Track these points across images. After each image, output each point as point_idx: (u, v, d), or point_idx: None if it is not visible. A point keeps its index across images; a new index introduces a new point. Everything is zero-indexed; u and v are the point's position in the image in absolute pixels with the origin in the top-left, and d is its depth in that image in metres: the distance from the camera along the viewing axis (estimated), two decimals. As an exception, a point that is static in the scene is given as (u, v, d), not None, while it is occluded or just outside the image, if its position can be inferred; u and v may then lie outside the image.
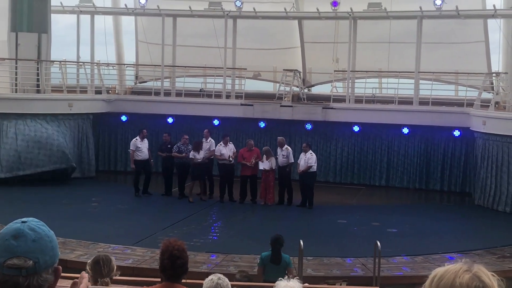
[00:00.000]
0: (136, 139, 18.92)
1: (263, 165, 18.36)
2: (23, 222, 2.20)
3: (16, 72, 20.84)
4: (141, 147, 18.81)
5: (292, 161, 18.55)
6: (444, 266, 2.02)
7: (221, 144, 18.91)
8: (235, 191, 18.73)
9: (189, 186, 18.72)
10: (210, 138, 19.52)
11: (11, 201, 17.19)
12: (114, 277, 5.45)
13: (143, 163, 18.85)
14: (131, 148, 18.97)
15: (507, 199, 17.84)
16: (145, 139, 19.06)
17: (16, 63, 20.92)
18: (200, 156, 18.46)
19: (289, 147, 18.82)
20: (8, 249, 2.11)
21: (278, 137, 19.11)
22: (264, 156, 18.45)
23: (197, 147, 18.54)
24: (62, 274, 2.27)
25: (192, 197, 18.44)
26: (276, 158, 18.59)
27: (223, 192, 18.68)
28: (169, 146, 19.19)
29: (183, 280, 5.13)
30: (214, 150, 19.16)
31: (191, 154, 18.46)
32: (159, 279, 5.24)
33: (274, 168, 18.50)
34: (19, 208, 16.01)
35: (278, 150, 18.68)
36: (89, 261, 6.02)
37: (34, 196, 18.20)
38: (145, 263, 12.08)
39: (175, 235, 14.36)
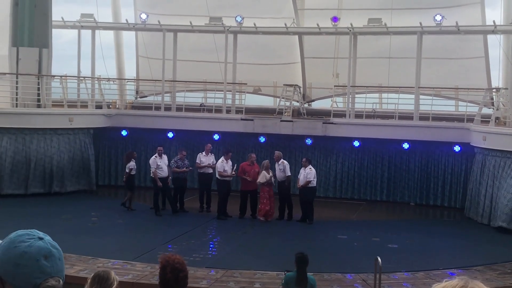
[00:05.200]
0: (156, 157, 18.75)
1: (260, 178, 18.14)
2: (40, 238, 2.26)
3: (16, 87, 20.89)
4: (160, 164, 18.68)
5: (289, 174, 18.42)
6: (443, 282, 2.03)
7: (223, 161, 18.64)
8: (232, 206, 18.57)
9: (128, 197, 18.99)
10: (210, 153, 19.41)
11: (10, 214, 17.11)
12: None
13: (164, 180, 18.71)
14: (152, 167, 18.70)
15: (506, 215, 17.75)
16: (164, 156, 18.93)
17: (16, 78, 20.99)
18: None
19: (285, 161, 18.71)
20: (43, 270, 2.21)
21: (276, 151, 19.09)
22: (264, 171, 18.34)
23: (128, 159, 19.13)
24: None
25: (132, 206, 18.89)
26: (275, 174, 18.45)
27: (221, 209, 18.44)
28: None
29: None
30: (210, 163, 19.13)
31: (128, 166, 19.08)
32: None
33: (271, 182, 18.28)
34: (17, 222, 15.89)
35: (276, 164, 18.62)
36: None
37: (32, 209, 18.14)
38: (144, 279, 12.02)
39: (175, 250, 14.30)
